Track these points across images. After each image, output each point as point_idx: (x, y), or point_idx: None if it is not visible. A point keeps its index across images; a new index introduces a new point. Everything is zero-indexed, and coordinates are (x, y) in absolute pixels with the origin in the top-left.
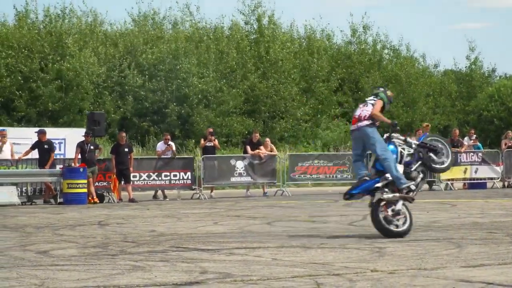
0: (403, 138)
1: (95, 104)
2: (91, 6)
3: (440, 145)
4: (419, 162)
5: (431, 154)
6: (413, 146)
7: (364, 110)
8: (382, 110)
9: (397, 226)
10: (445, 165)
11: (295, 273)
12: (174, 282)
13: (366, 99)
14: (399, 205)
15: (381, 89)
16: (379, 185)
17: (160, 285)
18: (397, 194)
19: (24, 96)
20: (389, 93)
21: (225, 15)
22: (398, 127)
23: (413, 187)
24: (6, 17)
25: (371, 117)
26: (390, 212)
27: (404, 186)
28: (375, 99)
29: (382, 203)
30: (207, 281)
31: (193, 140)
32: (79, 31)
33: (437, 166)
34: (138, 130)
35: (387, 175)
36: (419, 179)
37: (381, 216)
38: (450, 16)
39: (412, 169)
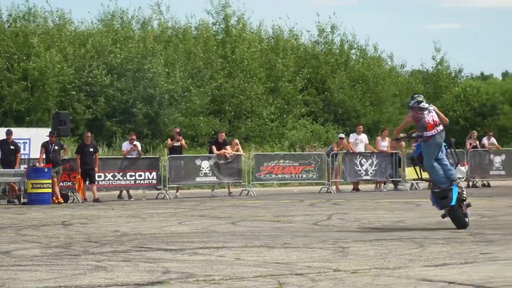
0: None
1: (63, 104)
2: (57, 6)
3: None
4: None
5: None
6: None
7: (433, 116)
8: None
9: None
10: None
11: (258, 273)
12: (136, 282)
13: (423, 105)
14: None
15: (422, 96)
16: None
17: (122, 285)
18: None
19: None
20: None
21: (194, 15)
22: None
23: None
24: None
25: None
26: (465, 208)
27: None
28: (429, 105)
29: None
30: (169, 281)
31: (158, 140)
32: (46, 31)
33: None
34: (107, 131)
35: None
36: None
37: (462, 214)
38: (418, 17)
39: None
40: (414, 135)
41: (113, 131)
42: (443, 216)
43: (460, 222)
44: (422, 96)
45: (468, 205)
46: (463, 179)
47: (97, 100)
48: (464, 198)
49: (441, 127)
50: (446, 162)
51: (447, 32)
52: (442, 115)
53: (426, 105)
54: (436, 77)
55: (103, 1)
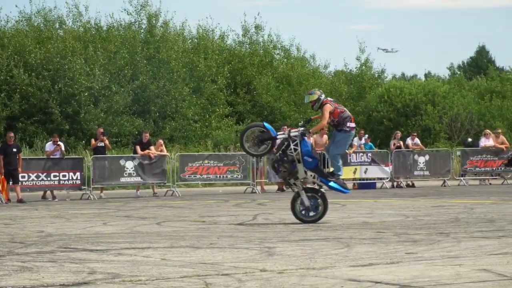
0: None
1: None
2: None
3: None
4: None
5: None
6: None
7: None
8: None
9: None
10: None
11: (184, 273)
12: (61, 282)
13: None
14: None
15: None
16: None
17: (47, 286)
18: None
19: None
20: None
21: (112, 14)
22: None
23: None
24: None
25: None
26: None
27: None
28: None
29: None
30: (95, 281)
31: (83, 141)
32: None
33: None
34: (25, 132)
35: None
36: None
37: None
38: (343, 17)
39: None
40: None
41: (32, 131)
42: None
43: None
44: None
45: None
46: (387, 179)
47: (13, 97)
48: None
49: None
50: None
51: (370, 33)
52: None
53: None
54: (360, 78)
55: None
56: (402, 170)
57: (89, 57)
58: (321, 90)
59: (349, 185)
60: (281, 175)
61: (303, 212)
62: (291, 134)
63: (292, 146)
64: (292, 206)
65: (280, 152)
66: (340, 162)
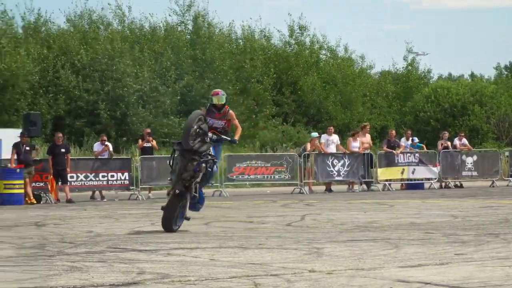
0: None
1: (31, 104)
2: (35, 5)
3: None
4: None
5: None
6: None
7: None
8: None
9: None
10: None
11: (233, 273)
12: (111, 282)
13: None
14: None
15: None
16: None
17: (97, 286)
18: None
19: None
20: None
21: (153, 14)
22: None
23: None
24: None
25: None
26: None
27: None
28: None
29: None
30: (144, 281)
31: (125, 140)
32: (18, 31)
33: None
34: (72, 131)
35: None
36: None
37: None
38: (389, 18)
39: None
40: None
41: (81, 131)
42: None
43: None
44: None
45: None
46: (435, 180)
47: (60, 99)
48: None
49: None
50: None
51: (415, 33)
52: None
53: None
54: (406, 78)
55: (73, 0)
56: (450, 170)
57: (136, 58)
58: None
59: (397, 185)
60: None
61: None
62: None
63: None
64: None
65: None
66: None
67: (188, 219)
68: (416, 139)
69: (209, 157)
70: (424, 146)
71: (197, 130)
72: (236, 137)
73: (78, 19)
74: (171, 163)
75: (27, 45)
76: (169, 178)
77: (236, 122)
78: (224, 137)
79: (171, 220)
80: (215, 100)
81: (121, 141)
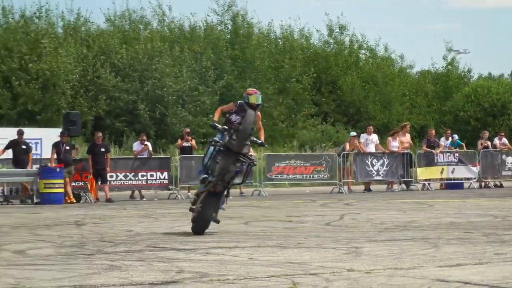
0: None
1: (72, 104)
2: (75, 5)
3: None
4: (216, 151)
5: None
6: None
7: None
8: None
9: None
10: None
11: (272, 272)
12: (150, 281)
13: None
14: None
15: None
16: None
17: (136, 285)
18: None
19: (6, 96)
20: (245, 93)
21: (195, 13)
22: (216, 127)
23: (210, 178)
24: None
25: None
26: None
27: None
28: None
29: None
30: (183, 280)
31: (165, 140)
32: (58, 30)
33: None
34: (112, 131)
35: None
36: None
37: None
38: (429, 17)
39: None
40: None
41: (120, 130)
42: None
43: None
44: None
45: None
46: (475, 180)
47: (101, 99)
48: None
49: None
50: None
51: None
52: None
53: None
54: (446, 77)
55: (114, 0)
56: (490, 170)
57: (175, 58)
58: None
59: (436, 185)
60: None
61: None
62: None
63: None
64: None
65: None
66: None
67: (218, 222)
68: (456, 136)
69: (250, 159)
70: (464, 145)
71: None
72: (262, 139)
73: (118, 19)
74: (207, 162)
75: (67, 45)
76: (202, 177)
77: (260, 123)
78: (254, 139)
79: (208, 222)
80: (252, 99)
81: (160, 143)
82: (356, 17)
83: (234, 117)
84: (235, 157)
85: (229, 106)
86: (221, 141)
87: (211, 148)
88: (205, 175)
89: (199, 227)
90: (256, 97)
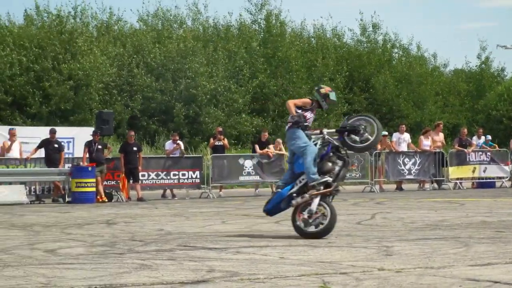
0: (317, 131)
1: (106, 103)
2: (107, 4)
3: (363, 123)
4: (333, 152)
5: (352, 136)
6: (326, 136)
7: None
8: (308, 106)
9: (315, 226)
10: (369, 141)
11: (302, 271)
12: (181, 280)
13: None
14: (314, 205)
15: (316, 88)
16: (293, 190)
17: (167, 284)
18: (307, 194)
19: (37, 95)
20: (323, 90)
21: (232, 13)
22: (303, 122)
23: (329, 180)
24: (15, 16)
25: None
26: (306, 215)
27: (313, 183)
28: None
29: (297, 209)
30: (214, 279)
31: (199, 138)
32: (90, 30)
33: (359, 145)
34: (146, 130)
35: (302, 177)
36: (337, 169)
37: (298, 222)
38: (462, 16)
39: (325, 161)
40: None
41: (153, 130)
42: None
43: (295, 229)
44: (316, 87)
45: (311, 213)
46: (507, 179)
47: (135, 98)
48: (292, 204)
49: (288, 125)
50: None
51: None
52: (289, 110)
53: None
54: (479, 76)
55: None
56: None
57: (210, 57)
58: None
59: (468, 184)
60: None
61: None
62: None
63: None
64: None
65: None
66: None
67: None
68: (489, 137)
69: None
70: (496, 146)
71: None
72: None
73: (152, 18)
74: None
75: (101, 44)
76: (324, 179)
77: None
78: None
79: None
80: (333, 96)
81: (193, 141)
82: (389, 16)
83: (309, 114)
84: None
85: (305, 102)
86: (332, 141)
87: (315, 148)
88: (326, 177)
89: (332, 229)
90: (334, 95)
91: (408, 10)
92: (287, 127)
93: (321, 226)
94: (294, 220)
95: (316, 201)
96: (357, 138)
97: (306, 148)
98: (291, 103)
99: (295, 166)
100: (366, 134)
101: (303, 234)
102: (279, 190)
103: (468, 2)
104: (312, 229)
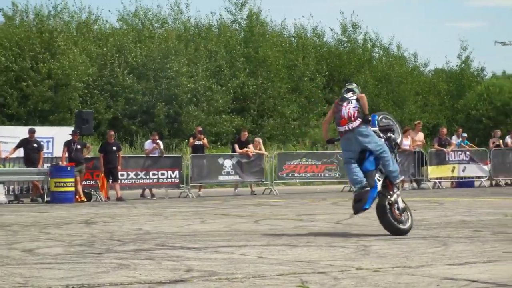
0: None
1: (86, 103)
2: (85, 3)
3: (390, 122)
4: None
5: (390, 134)
6: (381, 135)
7: (350, 108)
8: None
9: (404, 223)
10: (399, 139)
11: (280, 271)
12: (159, 280)
13: (345, 95)
14: (401, 202)
15: (354, 84)
16: (379, 189)
17: (145, 283)
18: (398, 192)
19: (14, 95)
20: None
21: (214, 13)
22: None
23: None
24: None
25: (361, 114)
26: (397, 212)
27: (398, 180)
28: (353, 95)
29: (391, 205)
30: (192, 279)
31: (178, 138)
32: (71, 29)
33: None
34: (127, 130)
35: (377, 175)
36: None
37: (392, 218)
38: (443, 15)
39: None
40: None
41: (134, 130)
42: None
43: (389, 226)
44: (354, 84)
45: (404, 210)
46: (486, 178)
47: (117, 100)
48: (390, 202)
49: (356, 123)
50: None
51: (470, 30)
52: (366, 105)
53: (350, 95)
54: (459, 76)
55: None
56: (501, 168)
57: (191, 57)
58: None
59: (447, 183)
60: None
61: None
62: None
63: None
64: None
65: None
66: (349, 172)
67: None
68: (465, 135)
69: None
70: (474, 145)
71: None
72: None
73: (131, 17)
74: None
75: (80, 43)
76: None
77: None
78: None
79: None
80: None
81: (173, 141)
82: (370, 16)
83: (346, 108)
84: None
85: (330, 111)
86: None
87: (388, 148)
88: (402, 176)
89: None
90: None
91: (390, 10)
92: (355, 124)
93: (408, 224)
94: (387, 216)
95: (400, 199)
96: (394, 136)
97: (383, 146)
98: (324, 127)
99: (367, 163)
100: (395, 133)
101: (395, 230)
102: (367, 188)
103: (451, 1)
104: (402, 226)
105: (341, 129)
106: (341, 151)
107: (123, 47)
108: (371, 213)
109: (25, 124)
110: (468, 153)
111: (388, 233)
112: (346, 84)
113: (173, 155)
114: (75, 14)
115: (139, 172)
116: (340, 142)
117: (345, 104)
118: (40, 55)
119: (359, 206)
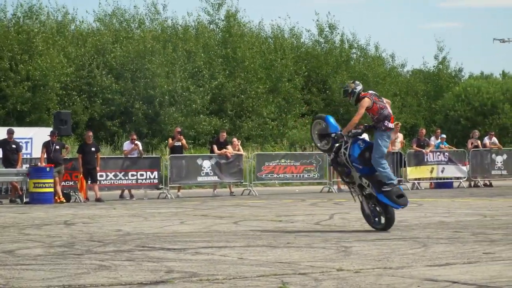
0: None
1: (64, 104)
2: (61, 3)
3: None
4: None
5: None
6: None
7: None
8: None
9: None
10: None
11: (261, 272)
12: (139, 281)
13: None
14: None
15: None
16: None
17: (125, 285)
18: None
19: None
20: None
21: (191, 13)
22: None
23: None
24: None
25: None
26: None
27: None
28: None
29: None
30: (172, 280)
31: (158, 139)
32: (48, 30)
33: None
34: (106, 131)
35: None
36: None
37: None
38: (420, 16)
39: None
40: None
41: (113, 131)
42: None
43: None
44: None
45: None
46: (464, 179)
47: (95, 101)
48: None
49: None
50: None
51: (447, 31)
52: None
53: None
54: (437, 77)
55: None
56: (479, 169)
57: (169, 58)
58: (357, 82)
59: (426, 184)
60: (339, 174)
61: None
62: (349, 135)
63: (342, 149)
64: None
65: (333, 152)
66: (386, 167)
67: None
68: (444, 136)
69: None
70: (453, 147)
71: (315, 132)
72: (344, 129)
73: (109, 18)
74: None
75: (58, 44)
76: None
77: (358, 110)
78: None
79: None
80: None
81: (151, 139)
82: (346, 16)
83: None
84: None
85: (372, 106)
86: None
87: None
88: None
89: None
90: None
91: (367, 9)
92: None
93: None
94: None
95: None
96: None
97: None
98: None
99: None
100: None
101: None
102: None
103: (427, 2)
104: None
105: (391, 125)
106: (320, 152)
107: (103, 47)
108: (349, 214)
109: (3, 125)
110: (446, 154)
111: (369, 234)
112: (358, 82)
113: (152, 156)
114: (51, 15)
115: (118, 173)
116: (387, 136)
117: (384, 101)
118: (18, 56)
119: (406, 200)
